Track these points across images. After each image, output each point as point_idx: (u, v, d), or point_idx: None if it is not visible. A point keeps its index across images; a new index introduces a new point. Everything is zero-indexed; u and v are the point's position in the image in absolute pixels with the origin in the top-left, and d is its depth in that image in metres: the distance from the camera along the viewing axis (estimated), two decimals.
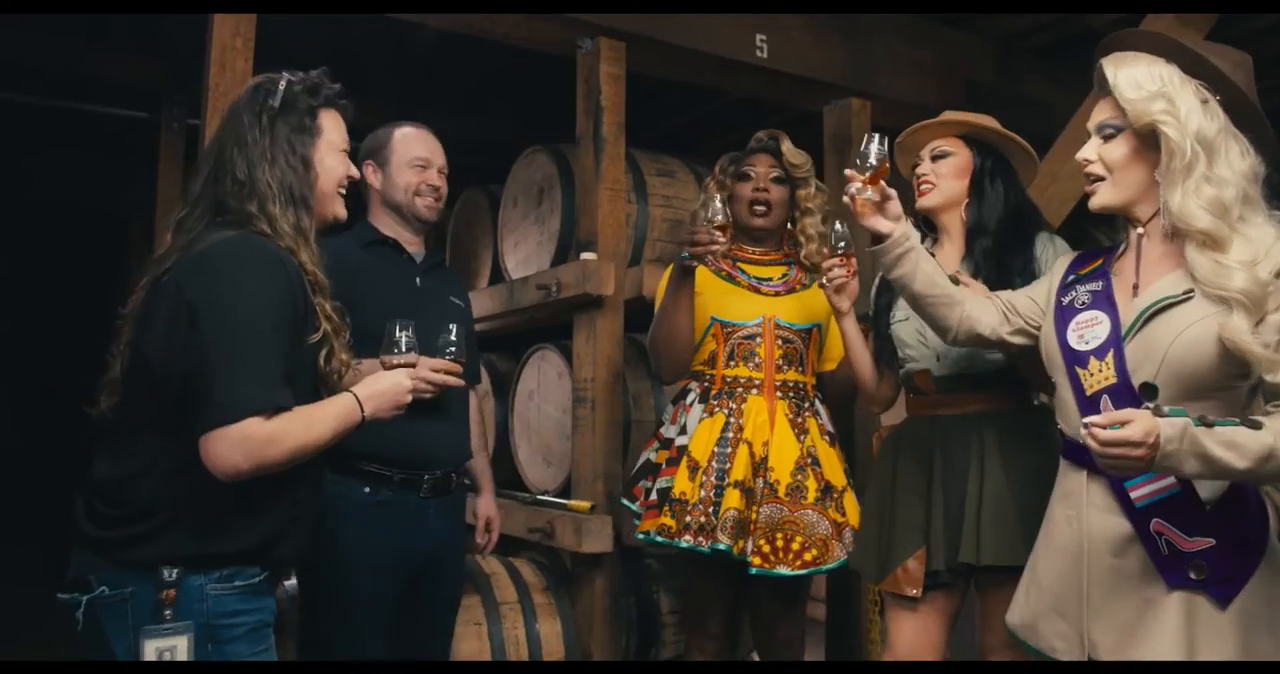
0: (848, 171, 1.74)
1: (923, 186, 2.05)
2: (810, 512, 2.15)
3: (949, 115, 2.09)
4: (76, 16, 3.37)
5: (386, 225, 2.20)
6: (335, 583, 1.92)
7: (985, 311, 1.74)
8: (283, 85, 1.53)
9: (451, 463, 2.16)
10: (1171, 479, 1.39)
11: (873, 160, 1.72)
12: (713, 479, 2.20)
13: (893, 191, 1.72)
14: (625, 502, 2.40)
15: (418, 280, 2.21)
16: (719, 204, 2.14)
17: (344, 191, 1.61)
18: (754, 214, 2.37)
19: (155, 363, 1.39)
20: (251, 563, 1.45)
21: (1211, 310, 1.39)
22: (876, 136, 1.73)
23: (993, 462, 1.91)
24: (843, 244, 2.03)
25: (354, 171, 1.62)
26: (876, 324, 2.14)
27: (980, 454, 1.92)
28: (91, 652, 1.39)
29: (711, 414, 2.27)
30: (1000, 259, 1.95)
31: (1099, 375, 1.48)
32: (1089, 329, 1.51)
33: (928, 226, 2.13)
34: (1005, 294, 1.78)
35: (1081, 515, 1.51)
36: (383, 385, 1.57)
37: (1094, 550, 1.48)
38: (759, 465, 2.19)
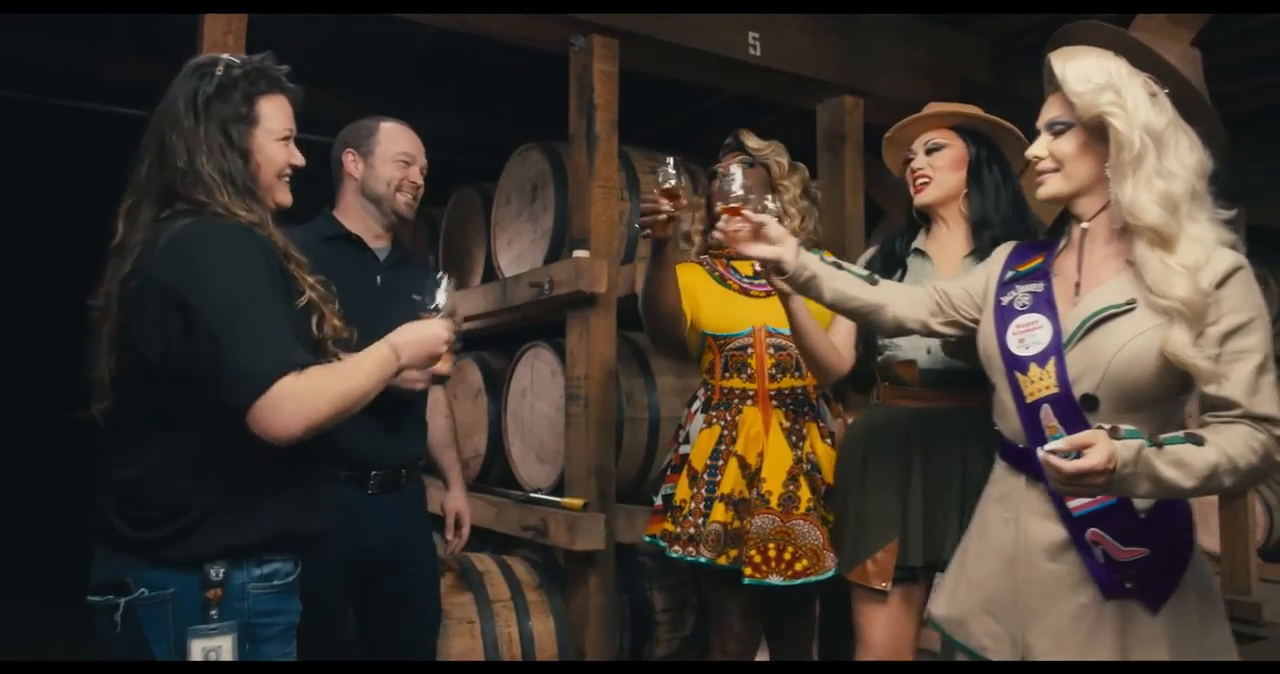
0: (719, 205, 1.70)
1: (919, 181, 2.03)
2: (801, 522, 2.15)
3: (937, 107, 2.07)
4: (76, 17, 3.37)
5: (354, 218, 2.18)
6: None
7: (914, 305, 1.72)
8: (220, 70, 1.47)
9: (400, 460, 2.14)
10: None
11: (736, 190, 1.69)
12: (703, 491, 2.22)
13: (763, 217, 1.68)
14: (655, 497, 2.42)
15: (379, 279, 2.18)
16: (672, 170, 2.02)
17: (288, 178, 1.57)
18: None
19: (154, 361, 1.37)
20: (282, 549, 1.45)
21: (1154, 322, 1.38)
22: (736, 169, 1.70)
23: (976, 460, 1.89)
24: (739, 192, 1.77)
25: (297, 158, 1.57)
26: None
27: (963, 451, 1.91)
28: (125, 655, 1.38)
29: (710, 425, 2.29)
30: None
31: (1040, 383, 1.47)
32: (1029, 333, 1.50)
33: (922, 219, 2.11)
34: (941, 283, 1.75)
35: (1019, 519, 1.52)
36: (418, 334, 1.55)
37: (1030, 555, 1.49)
38: (753, 477, 2.20)
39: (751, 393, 2.27)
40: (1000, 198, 2.00)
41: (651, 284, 2.18)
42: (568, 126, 2.80)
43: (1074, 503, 1.43)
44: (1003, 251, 1.69)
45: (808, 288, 1.69)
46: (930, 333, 1.73)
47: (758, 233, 1.67)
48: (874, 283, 1.74)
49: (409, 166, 2.18)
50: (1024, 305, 1.54)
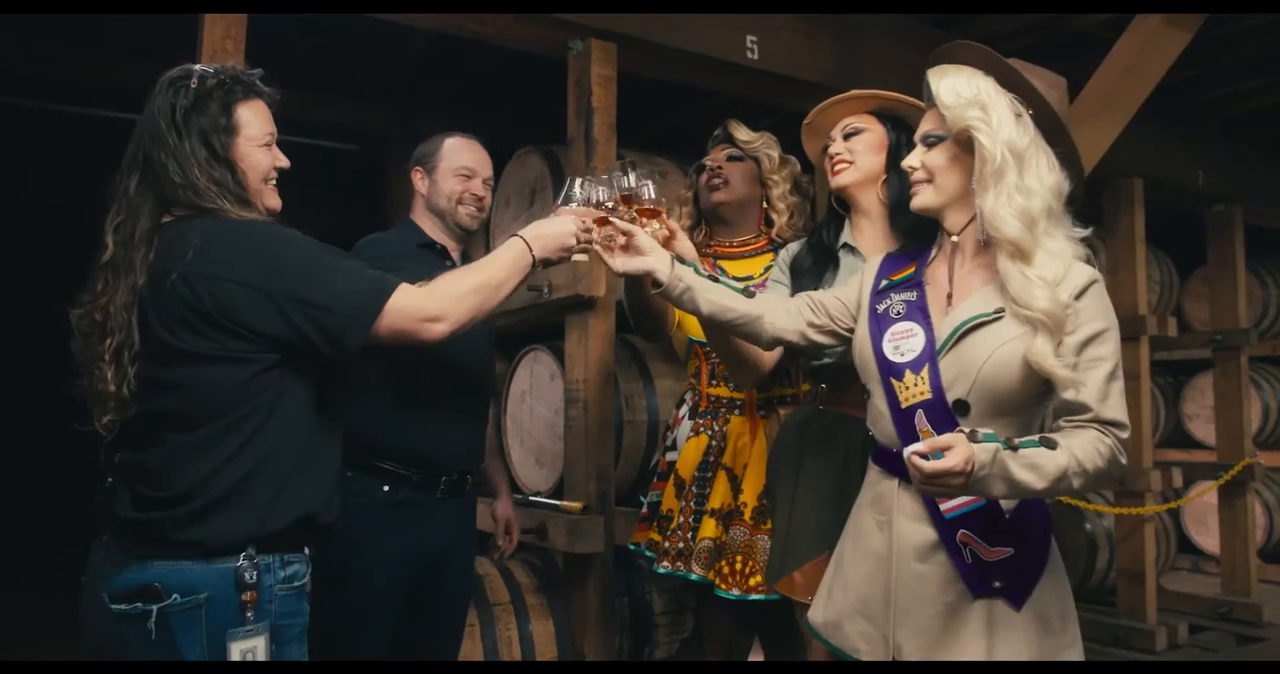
0: (584, 213, 1.69)
1: (837, 166, 1.98)
2: (766, 537, 2.09)
3: (857, 92, 2.04)
4: (70, 22, 3.38)
5: (428, 229, 2.22)
6: (347, 580, 1.93)
7: (790, 316, 1.73)
8: (194, 83, 1.47)
9: (468, 465, 2.17)
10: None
11: (604, 198, 1.67)
12: (692, 505, 2.19)
13: (631, 227, 1.67)
14: (642, 498, 2.42)
15: None
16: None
17: (274, 182, 1.57)
18: (711, 188, 2.30)
19: (195, 352, 1.38)
20: (302, 544, 1.47)
21: (1019, 332, 1.44)
22: (605, 175, 1.71)
23: None
24: (609, 202, 1.77)
25: (282, 161, 1.58)
26: None
27: None
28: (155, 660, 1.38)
29: (697, 433, 2.25)
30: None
31: (914, 389, 1.53)
32: (904, 341, 1.56)
33: (841, 206, 2.04)
34: (816, 294, 1.77)
35: (892, 522, 1.56)
36: (549, 229, 1.64)
37: (901, 556, 1.53)
38: (737, 489, 2.17)
39: (739, 402, 2.23)
40: None
41: (630, 283, 2.16)
42: (565, 130, 2.80)
43: (945, 505, 1.49)
44: (874, 262, 1.73)
45: (683, 300, 1.70)
46: (808, 342, 1.74)
47: (627, 245, 1.67)
48: (750, 295, 1.74)
49: (470, 179, 2.20)
50: (899, 313, 1.59)
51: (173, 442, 1.40)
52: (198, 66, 1.50)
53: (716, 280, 1.75)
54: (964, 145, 1.52)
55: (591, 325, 2.66)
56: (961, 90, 1.51)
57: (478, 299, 1.53)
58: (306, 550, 1.51)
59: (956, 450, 1.29)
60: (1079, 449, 1.38)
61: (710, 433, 2.23)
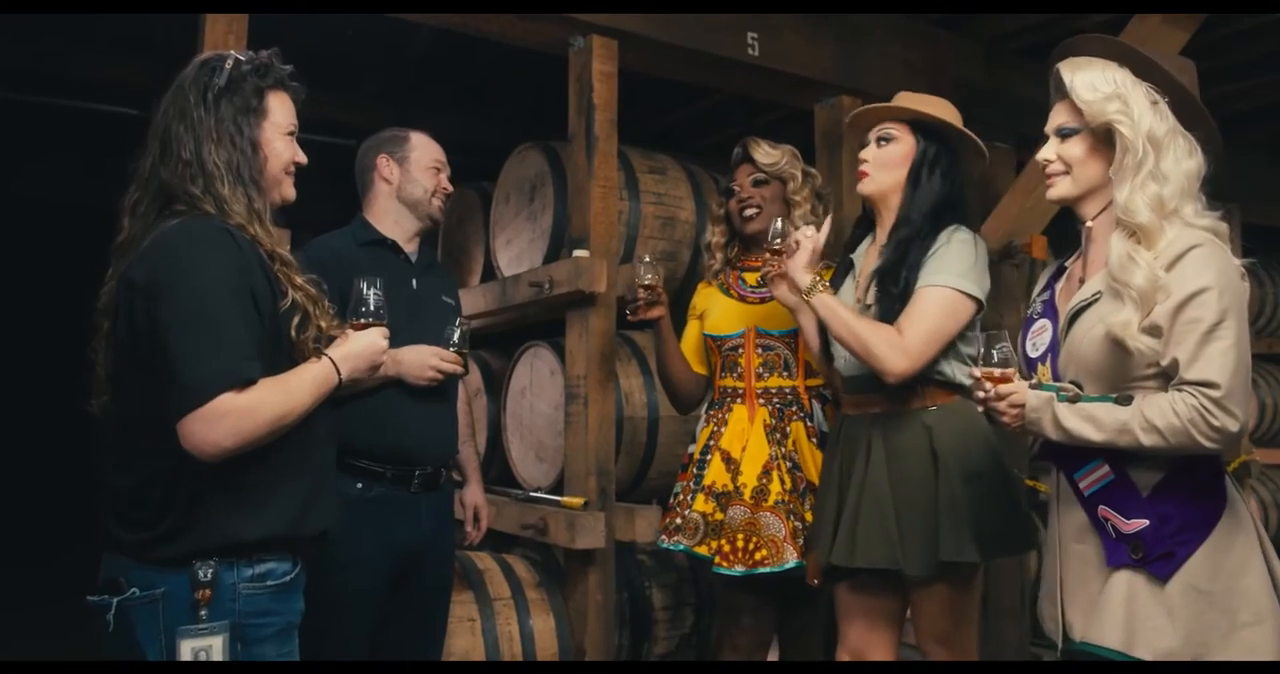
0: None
1: (860, 174, 2.04)
2: (768, 514, 2.20)
3: (904, 97, 2.06)
4: (69, 17, 3.36)
5: (388, 223, 2.21)
6: (324, 580, 1.92)
7: None
8: (229, 64, 1.49)
9: (442, 458, 2.18)
10: (1106, 469, 1.52)
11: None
12: (691, 484, 2.33)
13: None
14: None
15: (414, 282, 2.22)
16: (646, 260, 2.34)
17: (292, 174, 1.58)
18: (744, 219, 2.40)
19: (133, 358, 1.39)
20: (282, 550, 1.44)
21: (1112, 307, 1.48)
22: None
23: (877, 463, 1.94)
24: (777, 241, 2.03)
25: (301, 156, 1.58)
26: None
27: (867, 456, 1.97)
28: (119, 654, 1.39)
29: (708, 423, 2.39)
30: (906, 250, 1.95)
31: (1044, 380, 1.61)
32: (1039, 337, 1.64)
33: (871, 212, 2.14)
34: None
35: (1057, 507, 1.63)
36: (358, 346, 1.53)
37: (1064, 539, 1.60)
38: (735, 471, 2.27)
39: (741, 391, 2.35)
40: (929, 202, 1.98)
41: (658, 356, 2.45)
42: (566, 126, 2.80)
43: (1082, 484, 1.55)
44: (1045, 272, 1.78)
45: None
46: None
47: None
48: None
49: (440, 173, 2.25)
50: (1036, 312, 1.68)
51: (132, 454, 1.41)
52: (233, 52, 1.53)
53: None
54: (1100, 136, 1.54)
55: (592, 322, 2.66)
56: (1099, 84, 1.53)
57: (273, 429, 1.38)
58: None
59: (1012, 392, 1.51)
60: (1151, 407, 1.41)
61: (715, 421, 2.37)
